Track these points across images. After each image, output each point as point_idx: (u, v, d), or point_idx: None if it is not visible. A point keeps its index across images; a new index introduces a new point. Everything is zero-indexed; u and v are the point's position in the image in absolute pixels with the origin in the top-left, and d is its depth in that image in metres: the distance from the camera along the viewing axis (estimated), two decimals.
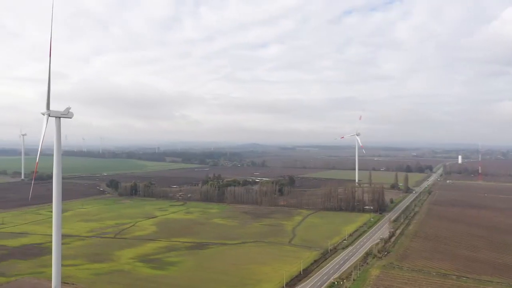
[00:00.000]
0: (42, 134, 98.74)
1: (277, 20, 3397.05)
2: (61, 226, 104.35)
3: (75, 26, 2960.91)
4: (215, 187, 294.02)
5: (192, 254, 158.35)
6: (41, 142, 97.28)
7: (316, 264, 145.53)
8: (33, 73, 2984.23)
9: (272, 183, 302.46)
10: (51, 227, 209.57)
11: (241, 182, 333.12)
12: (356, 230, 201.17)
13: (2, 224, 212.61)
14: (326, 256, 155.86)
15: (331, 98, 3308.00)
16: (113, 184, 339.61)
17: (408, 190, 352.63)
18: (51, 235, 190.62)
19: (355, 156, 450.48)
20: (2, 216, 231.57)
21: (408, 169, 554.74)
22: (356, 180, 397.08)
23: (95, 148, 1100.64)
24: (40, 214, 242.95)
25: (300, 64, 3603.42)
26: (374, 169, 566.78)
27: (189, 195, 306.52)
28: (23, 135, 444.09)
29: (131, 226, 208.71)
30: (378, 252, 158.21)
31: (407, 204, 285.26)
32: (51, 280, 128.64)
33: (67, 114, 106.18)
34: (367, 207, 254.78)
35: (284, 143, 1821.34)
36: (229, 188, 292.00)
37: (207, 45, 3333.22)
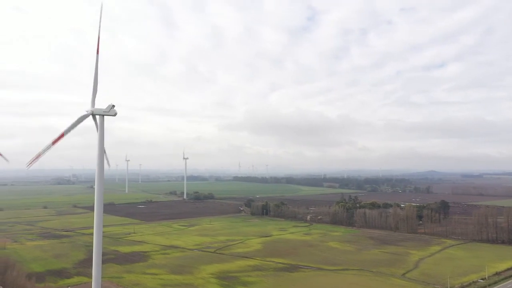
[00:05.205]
0: (72, 128, 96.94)
1: (454, 37, 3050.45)
2: (102, 228, 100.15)
3: (256, 66, 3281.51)
4: (344, 209, 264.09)
5: (276, 276, 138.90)
6: (67, 133, 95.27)
7: None
8: (214, 111, 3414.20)
9: (411, 207, 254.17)
10: (168, 238, 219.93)
11: (381, 205, 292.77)
12: (509, 269, 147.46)
13: (133, 233, 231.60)
14: None
15: None
16: (249, 204, 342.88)
17: None
18: (163, 245, 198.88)
19: None
20: (137, 226, 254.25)
21: None
22: None
23: (264, 175, 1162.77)
24: (170, 227, 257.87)
25: (486, 81, 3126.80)
26: None
27: (319, 217, 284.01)
28: (185, 158, 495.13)
29: (238, 243, 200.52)
30: None
31: None
32: (121, 286, 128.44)
33: (109, 111, 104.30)
34: None
35: (469, 171, 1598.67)
36: (358, 210, 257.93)
37: (376, 71, 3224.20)
